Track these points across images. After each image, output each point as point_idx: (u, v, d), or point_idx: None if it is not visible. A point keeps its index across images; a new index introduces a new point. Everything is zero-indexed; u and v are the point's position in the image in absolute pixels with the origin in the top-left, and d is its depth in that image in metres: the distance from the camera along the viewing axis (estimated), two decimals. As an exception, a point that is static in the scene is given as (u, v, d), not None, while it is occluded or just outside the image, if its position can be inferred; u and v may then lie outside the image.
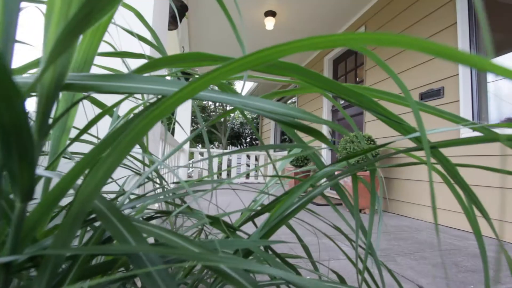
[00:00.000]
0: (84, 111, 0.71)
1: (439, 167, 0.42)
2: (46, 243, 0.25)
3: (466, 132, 2.12)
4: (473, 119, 2.14)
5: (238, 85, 13.22)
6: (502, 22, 2.22)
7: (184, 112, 5.58)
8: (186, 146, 5.47)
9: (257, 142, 11.55)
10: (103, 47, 0.63)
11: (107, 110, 0.33)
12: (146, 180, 0.64)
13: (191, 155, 6.00)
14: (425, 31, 2.57)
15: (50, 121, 0.24)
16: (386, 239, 1.82)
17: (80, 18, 0.18)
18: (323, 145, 4.73)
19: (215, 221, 0.38)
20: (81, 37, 0.34)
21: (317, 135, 0.33)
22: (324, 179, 0.41)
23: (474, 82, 2.17)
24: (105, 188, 0.80)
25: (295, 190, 0.36)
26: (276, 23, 3.94)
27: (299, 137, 0.42)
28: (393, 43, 0.15)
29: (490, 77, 2.15)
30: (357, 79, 3.90)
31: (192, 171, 6.49)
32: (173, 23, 2.49)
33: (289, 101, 8.72)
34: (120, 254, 0.23)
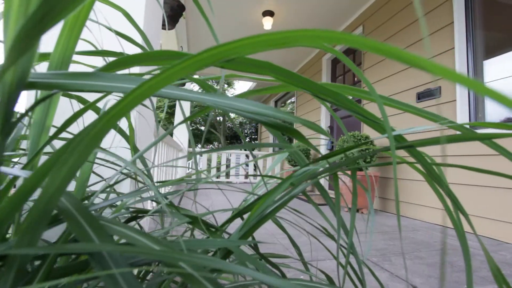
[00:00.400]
0: (73, 110, 0.71)
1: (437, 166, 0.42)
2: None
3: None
4: (469, 119, 2.14)
5: (237, 85, 13.25)
6: (501, 21, 2.22)
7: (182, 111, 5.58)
8: (185, 146, 5.47)
9: (256, 142, 11.57)
10: (90, 47, 0.63)
11: (84, 109, 0.33)
12: (121, 177, 0.64)
13: (191, 155, 5.99)
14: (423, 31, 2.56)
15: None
16: (382, 239, 1.81)
17: (38, 18, 0.18)
18: (322, 142, 4.72)
19: (195, 220, 0.38)
20: (58, 35, 0.34)
21: (296, 135, 0.33)
22: (319, 176, 0.41)
23: (471, 81, 2.17)
24: (94, 187, 0.80)
25: (274, 190, 0.36)
26: (274, 23, 3.94)
27: (281, 136, 0.42)
28: (345, 41, 0.15)
29: (487, 77, 2.15)
30: (355, 79, 3.90)
31: (191, 171, 6.49)
32: (170, 23, 2.49)
33: (289, 101, 8.72)
34: (79, 253, 0.23)
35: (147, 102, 0.96)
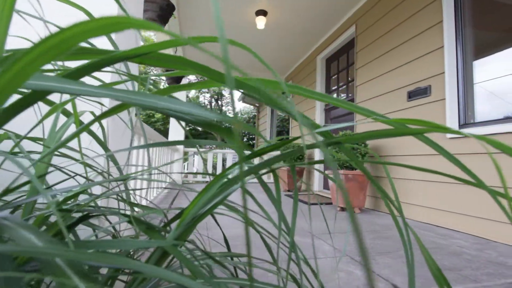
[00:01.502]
0: (39, 111, 0.71)
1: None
2: None
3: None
4: (459, 117, 2.14)
5: (234, 85, 13.19)
6: (491, 20, 2.20)
7: (178, 112, 5.57)
8: (181, 146, 5.46)
9: (253, 142, 11.54)
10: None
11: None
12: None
13: (186, 155, 5.99)
14: (413, 29, 2.56)
15: None
16: (370, 237, 1.81)
17: None
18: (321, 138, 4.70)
19: (133, 220, 0.38)
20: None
21: (224, 133, 0.32)
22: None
23: (461, 80, 2.16)
24: (62, 185, 0.79)
25: (206, 189, 0.35)
26: (267, 22, 3.93)
27: (213, 135, 0.41)
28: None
29: (476, 76, 2.15)
30: (349, 78, 3.89)
31: (189, 171, 6.49)
32: (159, 23, 2.48)
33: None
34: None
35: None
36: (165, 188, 3.68)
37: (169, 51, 4.87)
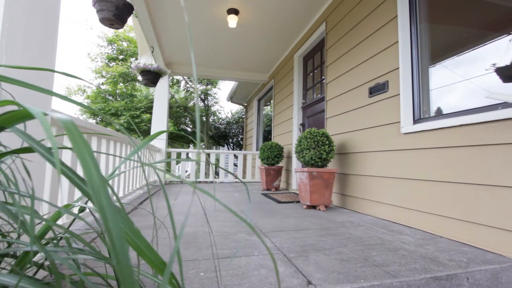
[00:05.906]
0: None
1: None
2: None
3: (407, 125, 2.11)
4: (413, 112, 2.12)
5: (222, 85, 13.19)
6: (451, 15, 2.18)
7: (160, 109, 5.52)
8: (163, 146, 5.42)
9: (242, 141, 11.49)
10: None
11: None
12: None
13: (169, 155, 5.95)
14: (373, 25, 2.55)
15: None
16: (318, 235, 1.79)
17: None
18: (294, 141, 4.60)
19: None
20: None
21: None
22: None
23: (416, 75, 2.15)
24: None
25: None
26: (239, 21, 3.92)
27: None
28: None
29: (432, 83, 2.13)
30: (322, 75, 3.88)
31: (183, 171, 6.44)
32: (117, 22, 2.46)
33: (272, 100, 8.68)
34: None
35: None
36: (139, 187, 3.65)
37: (147, 51, 4.86)
